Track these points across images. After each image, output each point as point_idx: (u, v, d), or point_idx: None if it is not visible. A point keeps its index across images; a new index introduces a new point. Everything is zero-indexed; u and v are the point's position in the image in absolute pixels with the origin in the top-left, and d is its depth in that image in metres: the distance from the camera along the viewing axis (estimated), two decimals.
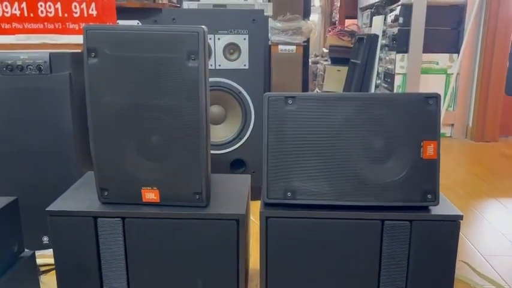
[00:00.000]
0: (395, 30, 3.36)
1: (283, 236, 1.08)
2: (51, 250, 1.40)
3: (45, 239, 1.45)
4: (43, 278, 1.22)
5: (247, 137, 1.92)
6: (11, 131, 1.39)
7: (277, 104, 1.08)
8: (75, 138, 1.40)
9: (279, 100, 1.08)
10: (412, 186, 1.06)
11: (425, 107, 1.06)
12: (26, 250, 1.13)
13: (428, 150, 1.06)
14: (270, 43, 3.13)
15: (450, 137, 3.44)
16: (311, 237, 1.08)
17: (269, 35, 3.13)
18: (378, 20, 3.97)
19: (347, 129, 1.06)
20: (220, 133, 1.95)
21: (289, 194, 1.08)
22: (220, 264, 1.09)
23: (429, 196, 1.07)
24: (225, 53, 1.85)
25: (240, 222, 1.07)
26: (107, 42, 1.01)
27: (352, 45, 4.78)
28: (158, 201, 1.09)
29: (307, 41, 3.39)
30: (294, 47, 3.23)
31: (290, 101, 1.07)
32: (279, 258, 1.10)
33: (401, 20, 3.27)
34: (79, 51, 1.44)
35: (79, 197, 1.14)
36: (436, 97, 1.07)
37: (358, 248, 1.08)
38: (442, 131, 3.22)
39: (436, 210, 1.07)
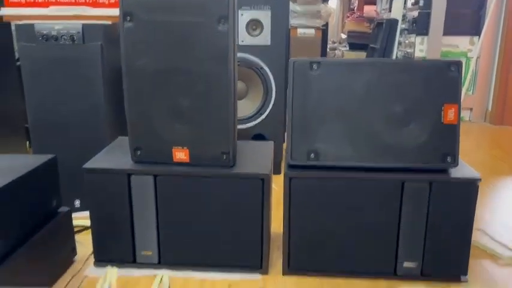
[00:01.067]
0: (415, 13, 3.35)
1: (306, 196, 1.13)
2: (82, 213, 1.48)
3: (77, 202, 1.52)
4: (77, 237, 1.29)
5: (268, 113, 1.96)
6: (46, 98, 1.45)
7: (302, 69, 1.12)
8: (105, 106, 1.46)
9: (304, 65, 1.12)
10: (433, 149, 1.10)
11: (447, 73, 1.09)
12: (62, 207, 1.21)
13: (449, 114, 1.10)
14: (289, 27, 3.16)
15: (469, 121, 3.43)
16: (333, 198, 1.12)
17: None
18: (397, 4, 3.95)
19: (370, 93, 1.10)
20: (241, 108, 1.99)
21: (312, 155, 1.13)
22: (246, 221, 1.14)
23: (449, 159, 1.10)
24: (248, 29, 1.89)
25: (265, 181, 1.12)
26: (141, 7, 1.06)
27: (370, 31, 4.77)
28: (188, 161, 1.14)
29: (326, 25, 3.40)
30: (313, 31, 3.24)
31: (315, 66, 1.11)
32: (301, 217, 1.15)
33: (422, 2, 3.26)
34: (110, 23, 1.49)
35: (113, 157, 1.20)
36: (458, 64, 1.10)
37: (378, 209, 1.12)
38: (460, 114, 3.21)
39: (455, 173, 1.11)
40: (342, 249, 1.15)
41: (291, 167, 1.14)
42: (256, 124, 1.99)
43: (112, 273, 1.14)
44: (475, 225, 1.23)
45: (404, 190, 1.11)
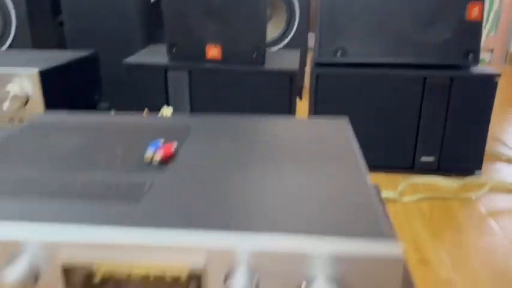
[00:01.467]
0: None
1: (332, 93, 1.20)
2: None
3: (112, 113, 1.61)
4: None
5: (291, 37, 2.00)
6: (81, 5, 1.52)
7: None
8: (136, 16, 1.53)
9: None
10: (455, 46, 1.15)
11: None
12: (102, 102, 1.29)
13: (474, 12, 1.13)
14: None
15: (489, 62, 3.42)
16: (358, 94, 1.19)
17: None
18: None
19: None
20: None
21: (339, 53, 1.18)
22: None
23: (470, 56, 1.15)
24: None
25: (293, 78, 1.18)
26: None
27: None
28: (220, 57, 1.21)
29: None
30: None
31: None
32: (326, 112, 1.22)
33: None
34: None
35: (149, 56, 1.27)
36: None
37: (401, 104, 1.19)
38: (481, 56, 3.20)
39: (475, 70, 1.16)
40: (362, 144, 1.23)
41: (317, 65, 1.20)
42: (279, 49, 2.03)
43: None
44: (492, 135, 1.29)
45: (426, 85, 1.16)
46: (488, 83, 1.14)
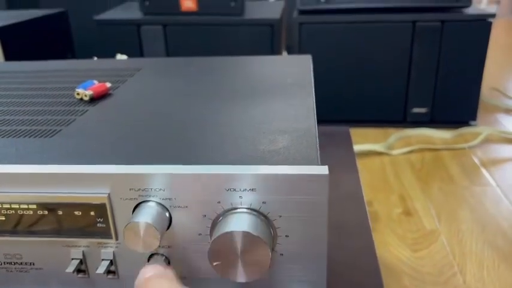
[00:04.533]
0: None
1: (317, 42, 1.13)
2: None
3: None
4: None
5: None
6: None
7: None
8: None
9: None
10: None
11: None
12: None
13: None
14: None
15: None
16: (344, 43, 1.12)
17: None
18: None
19: None
20: None
21: None
22: None
23: None
24: None
25: (274, 28, 1.12)
26: None
27: None
28: (196, 9, 1.14)
29: None
30: None
31: None
32: (314, 63, 1.15)
33: None
34: None
35: (122, 12, 1.21)
36: None
37: (389, 52, 1.12)
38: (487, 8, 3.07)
39: (467, 12, 1.08)
40: (352, 98, 1.17)
41: (301, 12, 1.13)
42: None
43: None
44: (489, 84, 1.22)
45: (415, 30, 1.09)
46: (482, 24, 1.07)
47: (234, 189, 0.30)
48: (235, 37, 1.13)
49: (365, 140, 1.12)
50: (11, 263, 0.34)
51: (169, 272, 0.30)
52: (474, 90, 1.12)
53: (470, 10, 1.08)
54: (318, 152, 0.32)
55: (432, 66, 1.11)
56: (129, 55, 1.16)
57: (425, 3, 1.07)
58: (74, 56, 1.21)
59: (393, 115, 1.17)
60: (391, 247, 0.73)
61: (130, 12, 1.19)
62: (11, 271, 0.35)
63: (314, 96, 0.45)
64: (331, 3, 1.10)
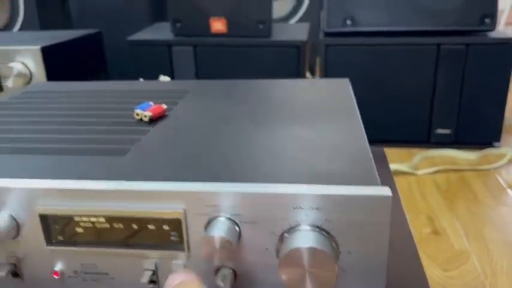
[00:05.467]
0: None
1: (343, 63, 1.16)
2: None
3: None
4: None
5: (303, 13, 1.95)
6: None
7: None
8: None
9: None
10: (471, 10, 1.09)
11: None
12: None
13: None
14: None
15: None
16: (369, 64, 1.15)
17: None
18: None
19: None
20: (275, 8, 1.98)
21: (348, 22, 1.14)
22: None
23: (487, 20, 1.09)
24: None
25: (300, 49, 1.15)
26: None
27: None
28: (225, 31, 1.18)
29: None
30: None
31: None
32: None
33: None
34: None
35: (154, 33, 1.26)
36: None
37: (414, 74, 1.14)
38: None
39: (492, 35, 1.10)
40: (376, 118, 1.19)
41: (327, 34, 1.16)
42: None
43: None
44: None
45: (440, 53, 1.11)
46: (506, 47, 1.09)
47: (300, 207, 0.33)
48: (263, 58, 1.16)
49: (390, 160, 1.14)
50: (86, 273, 0.37)
51: (195, 279, 0.31)
52: (498, 112, 1.14)
53: (495, 34, 1.11)
54: (376, 173, 0.35)
55: (456, 88, 1.13)
56: (161, 73, 1.21)
57: (450, 26, 1.10)
58: (106, 74, 1.26)
59: (417, 136, 1.19)
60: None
61: (162, 33, 1.23)
62: (86, 280, 0.37)
63: (360, 118, 0.48)
64: (357, 25, 1.14)
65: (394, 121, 1.18)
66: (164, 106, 0.51)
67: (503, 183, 1.02)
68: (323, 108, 0.51)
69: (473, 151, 1.16)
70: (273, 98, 0.56)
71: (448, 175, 1.07)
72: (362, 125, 0.45)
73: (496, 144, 1.18)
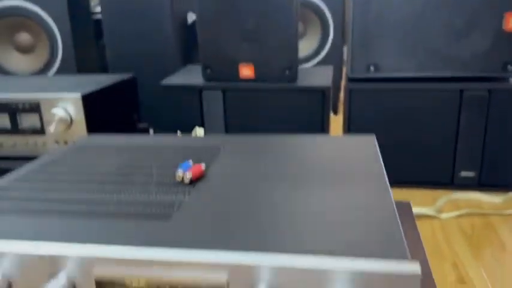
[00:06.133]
0: None
1: (366, 108, 1.19)
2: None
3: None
4: None
5: (326, 53, 2.01)
6: (123, 37, 1.60)
7: None
8: (174, 39, 1.59)
9: None
10: (493, 58, 1.12)
11: None
12: (142, 122, 1.35)
13: (511, 21, 1.10)
14: None
15: None
16: (392, 109, 1.18)
17: None
18: None
19: (429, 5, 1.13)
20: (299, 48, 2.05)
21: (372, 68, 1.18)
22: (307, 132, 1.23)
23: (510, 67, 1.12)
24: None
25: (325, 94, 1.19)
26: None
27: None
28: (253, 77, 1.23)
29: None
30: None
31: None
32: (361, 130, 1.21)
33: None
34: None
35: (185, 76, 1.32)
36: None
37: (437, 118, 1.16)
38: None
39: None
40: (399, 161, 1.21)
41: (350, 80, 1.20)
42: (313, 65, 2.04)
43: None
44: None
45: (463, 99, 1.14)
46: None
47: (334, 281, 0.35)
48: (289, 102, 1.21)
49: (413, 203, 1.15)
50: None
51: None
52: None
53: None
54: (406, 244, 0.38)
55: (480, 132, 1.15)
56: (191, 116, 1.26)
57: (473, 73, 1.13)
58: (139, 116, 1.32)
59: (441, 178, 1.20)
60: None
61: (193, 77, 1.30)
62: None
63: (387, 180, 0.51)
64: (380, 72, 1.17)
65: (418, 164, 1.20)
66: (203, 167, 0.55)
67: None
68: (351, 170, 0.54)
69: (498, 194, 1.16)
70: (302, 157, 0.59)
71: (473, 219, 1.07)
72: (389, 188, 0.48)
73: None
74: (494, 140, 1.15)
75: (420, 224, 1.06)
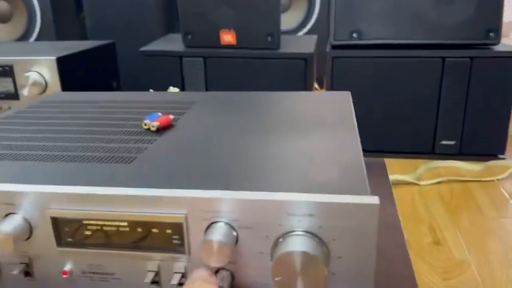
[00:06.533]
0: None
1: (349, 75, 1.18)
2: None
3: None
4: None
5: (311, 26, 1.98)
6: (102, 5, 1.56)
7: None
8: (155, 8, 1.55)
9: None
10: (476, 25, 1.11)
11: None
12: (121, 90, 1.32)
13: None
14: None
15: None
16: (374, 77, 1.17)
17: None
18: None
19: None
20: (284, 21, 2.02)
21: (354, 35, 1.16)
22: None
23: (491, 35, 1.11)
24: None
25: (308, 61, 1.18)
26: None
27: None
28: (235, 43, 1.21)
29: None
30: None
31: None
32: None
33: None
34: None
35: (166, 44, 1.29)
36: None
37: (419, 86, 1.16)
38: None
39: (496, 49, 1.12)
40: (381, 129, 1.21)
41: (333, 47, 1.19)
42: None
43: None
44: None
45: (445, 66, 1.13)
46: (510, 61, 1.10)
47: (294, 214, 0.35)
48: (271, 69, 1.19)
49: (394, 170, 1.15)
50: (93, 273, 0.40)
51: (213, 279, 0.36)
52: (502, 124, 1.15)
53: (499, 47, 1.12)
54: (367, 183, 0.37)
55: (461, 100, 1.14)
56: (172, 83, 1.24)
57: (455, 40, 1.12)
58: (119, 83, 1.29)
59: (422, 147, 1.20)
60: (421, 275, 0.75)
61: (173, 44, 1.27)
62: (93, 280, 0.40)
63: (357, 130, 0.50)
64: (363, 39, 1.16)
65: (399, 132, 1.20)
66: (171, 116, 0.53)
67: (506, 194, 1.03)
68: (322, 120, 0.53)
69: (477, 163, 1.17)
70: (275, 110, 0.58)
71: (452, 186, 1.08)
72: (358, 137, 0.47)
73: (500, 156, 1.19)
74: (475, 109, 1.15)
75: (400, 191, 1.06)
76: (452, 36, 1.12)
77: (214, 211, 0.35)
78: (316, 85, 1.87)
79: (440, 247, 0.84)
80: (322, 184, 0.37)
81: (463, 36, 1.12)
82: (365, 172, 0.39)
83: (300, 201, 0.34)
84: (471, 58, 1.11)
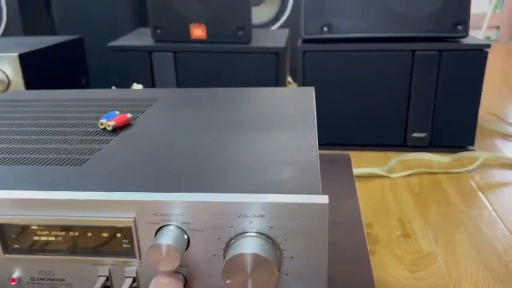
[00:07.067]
0: None
1: (320, 69, 1.18)
2: None
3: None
4: None
5: (285, 20, 1.98)
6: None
7: None
8: (125, 2, 1.52)
9: None
10: (444, 18, 1.12)
11: None
12: (90, 86, 1.30)
13: None
14: None
15: (496, 40, 3.35)
16: (346, 70, 1.17)
17: None
18: None
19: None
20: (257, 14, 2.01)
21: (325, 29, 1.16)
22: None
23: (459, 27, 1.12)
24: None
25: (279, 55, 1.17)
26: None
27: None
28: (205, 37, 1.20)
29: None
30: None
31: None
32: (316, 91, 1.20)
33: None
34: None
35: (135, 39, 1.27)
36: None
37: (390, 79, 1.16)
38: (486, 34, 3.14)
39: (464, 42, 1.13)
40: (353, 123, 1.21)
41: (304, 41, 1.18)
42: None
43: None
44: (486, 109, 1.26)
45: (415, 59, 1.14)
46: (478, 54, 1.11)
47: (245, 215, 0.34)
48: (242, 64, 1.18)
49: (366, 163, 1.16)
50: (43, 279, 0.38)
51: (178, 282, 0.35)
52: (471, 116, 1.17)
53: (468, 40, 1.14)
54: (320, 182, 0.37)
55: (431, 93, 1.16)
56: (141, 80, 1.22)
57: (424, 33, 1.13)
58: (88, 80, 1.27)
59: (393, 139, 1.22)
60: (389, 268, 0.76)
61: (143, 39, 1.25)
62: (43, 286, 0.39)
63: (316, 128, 0.50)
64: (334, 33, 1.16)
65: (371, 125, 1.20)
66: (129, 115, 0.52)
67: (475, 186, 1.05)
68: (282, 118, 0.53)
69: (447, 154, 1.18)
70: (236, 108, 0.57)
71: (422, 178, 1.09)
72: (316, 135, 0.47)
73: (470, 147, 1.20)
74: (444, 101, 1.16)
75: (371, 184, 1.07)
76: (421, 29, 1.13)
77: (164, 214, 0.35)
78: (289, 79, 1.86)
79: (409, 239, 0.85)
80: (275, 184, 0.37)
81: (432, 29, 1.13)
82: (319, 171, 0.39)
83: (251, 202, 0.34)
84: (439, 51, 1.12)
